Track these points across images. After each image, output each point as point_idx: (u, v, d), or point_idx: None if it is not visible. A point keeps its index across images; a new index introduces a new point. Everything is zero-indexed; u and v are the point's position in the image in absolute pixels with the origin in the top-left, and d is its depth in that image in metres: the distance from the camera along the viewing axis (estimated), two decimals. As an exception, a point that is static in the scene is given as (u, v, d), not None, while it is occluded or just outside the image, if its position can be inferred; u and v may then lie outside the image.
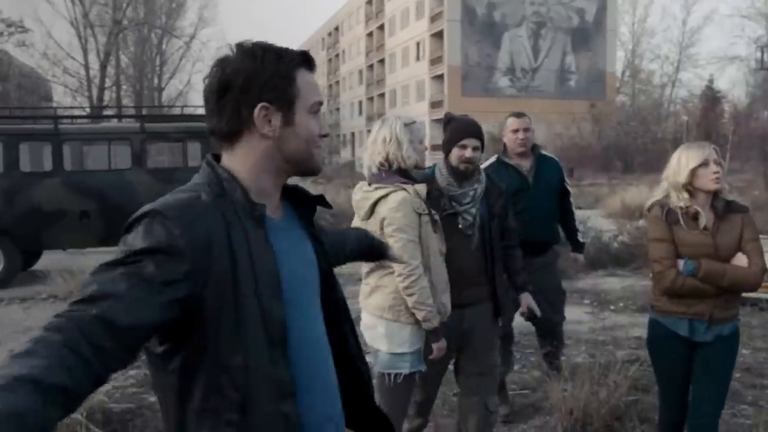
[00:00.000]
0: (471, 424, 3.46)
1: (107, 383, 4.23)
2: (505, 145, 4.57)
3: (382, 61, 61.45)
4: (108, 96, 47.00)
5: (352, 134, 68.89)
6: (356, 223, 3.22)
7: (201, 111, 10.18)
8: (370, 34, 63.88)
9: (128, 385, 5.21)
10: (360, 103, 67.04)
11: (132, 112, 33.10)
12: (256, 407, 1.39)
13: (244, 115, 1.46)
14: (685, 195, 3.03)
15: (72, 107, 29.46)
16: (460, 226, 3.33)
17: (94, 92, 45.04)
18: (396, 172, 3.14)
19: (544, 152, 4.73)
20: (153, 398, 4.74)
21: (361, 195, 3.21)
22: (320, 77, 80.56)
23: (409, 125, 3.17)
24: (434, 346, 3.13)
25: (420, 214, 3.06)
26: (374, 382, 2.06)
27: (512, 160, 4.51)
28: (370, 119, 63.49)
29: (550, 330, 4.72)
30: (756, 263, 3.00)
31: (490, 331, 3.51)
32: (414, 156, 3.12)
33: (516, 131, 4.46)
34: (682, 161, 3.03)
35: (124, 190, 10.05)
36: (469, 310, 3.37)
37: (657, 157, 40.00)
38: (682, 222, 3.01)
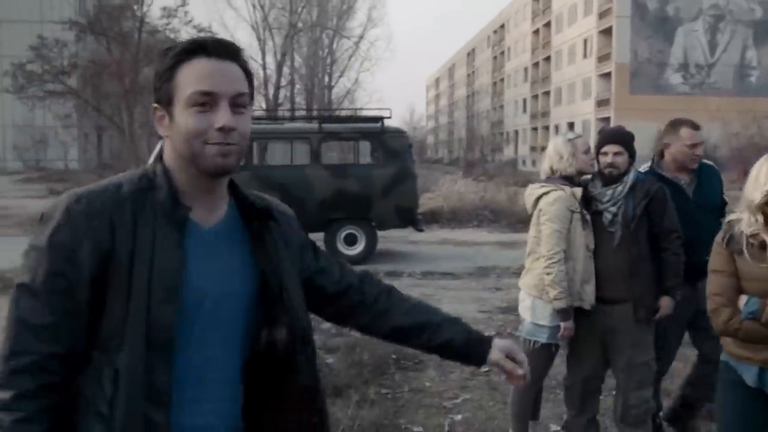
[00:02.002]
0: (614, 418, 3.99)
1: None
2: (662, 153, 4.10)
3: (547, 58, 60.75)
4: (282, 94, 50.16)
5: (516, 132, 68.62)
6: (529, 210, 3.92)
7: (369, 111, 11.23)
8: (536, 32, 63.28)
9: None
10: (524, 101, 66.61)
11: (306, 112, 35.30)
12: (123, 407, 1.36)
13: (152, 116, 1.51)
14: (760, 218, 2.48)
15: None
16: (603, 223, 3.79)
17: (270, 90, 48.32)
18: (559, 179, 3.79)
19: (704, 160, 4.16)
20: (332, 359, 5.64)
21: (530, 191, 3.94)
22: (484, 75, 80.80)
23: (572, 140, 3.83)
24: (562, 324, 3.70)
25: (573, 212, 3.68)
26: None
27: (668, 173, 4.02)
28: (534, 117, 62.99)
29: (704, 372, 4.00)
30: None
31: (635, 330, 3.72)
32: (574, 165, 3.76)
33: (694, 146, 3.94)
34: (761, 177, 2.49)
35: (303, 184, 11.25)
36: (611, 307, 3.75)
37: None
38: (745, 252, 2.49)
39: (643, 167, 4.19)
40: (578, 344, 3.92)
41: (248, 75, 1.51)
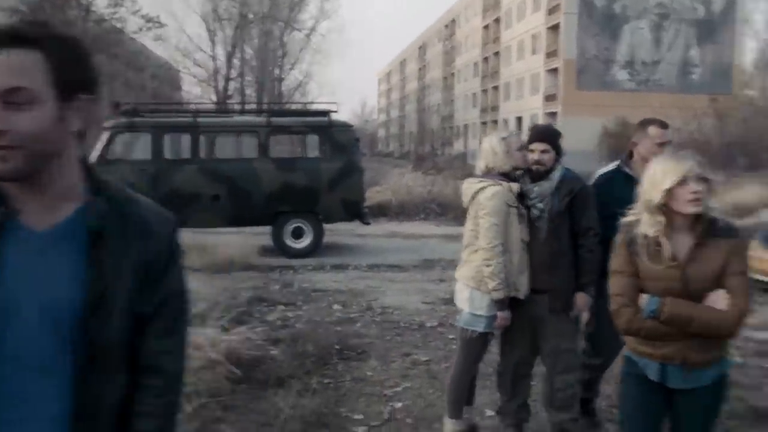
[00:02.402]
0: (543, 402, 4.21)
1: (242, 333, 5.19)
2: (630, 153, 4.12)
3: (497, 53, 61.41)
4: (232, 86, 49.68)
5: (465, 126, 69.20)
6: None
7: (320, 105, 11.25)
8: (486, 27, 63.91)
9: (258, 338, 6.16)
10: (474, 95, 67.26)
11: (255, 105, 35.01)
12: None
13: None
14: (661, 218, 2.52)
15: (203, 102, 31.54)
16: (531, 218, 3.97)
17: (220, 82, 47.82)
18: (496, 175, 3.95)
19: None
20: (276, 350, 5.75)
21: (467, 185, 4.08)
22: (435, 69, 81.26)
23: (506, 138, 4.01)
24: (499, 314, 3.89)
25: (510, 206, 3.85)
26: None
27: (636, 172, 3.91)
28: (483, 111, 63.63)
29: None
30: (736, 304, 2.46)
31: (559, 319, 3.95)
32: (509, 163, 3.94)
33: (662, 144, 3.92)
34: (658, 177, 2.52)
35: (251, 178, 11.27)
36: (540, 296, 3.96)
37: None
38: (644, 253, 2.54)
39: (611, 165, 4.26)
40: (510, 332, 4.11)
41: (52, 62, 1.32)
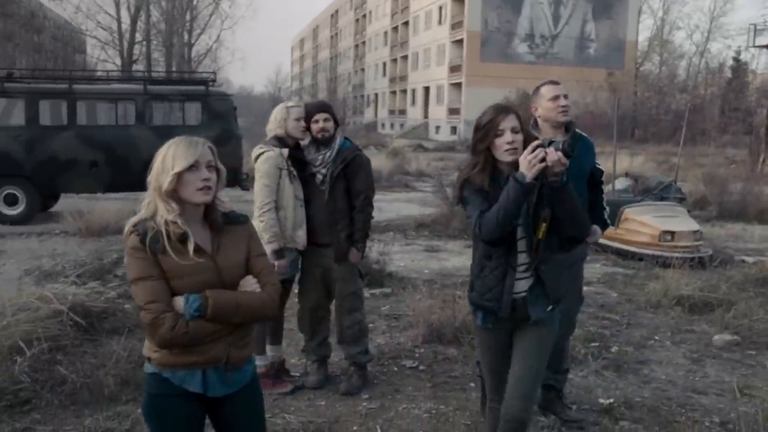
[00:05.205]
0: (337, 339, 4.86)
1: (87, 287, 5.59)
2: (535, 120, 4.05)
3: (406, 23, 61.98)
4: (138, 50, 48.50)
5: (376, 95, 69.77)
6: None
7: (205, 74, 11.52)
8: (396, -4, 64.30)
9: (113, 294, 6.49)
10: (384, 64, 67.75)
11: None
12: None
13: None
14: (174, 205, 2.32)
15: (92, 70, 30.66)
16: (316, 182, 4.59)
17: (125, 46, 46.63)
18: (273, 139, 4.55)
19: (579, 131, 4.09)
20: (129, 305, 6.17)
21: (254, 151, 4.62)
22: (347, 37, 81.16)
23: (289, 108, 4.60)
24: (276, 262, 4.41)
25: (281, 169, 4.45)
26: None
27: (543, 135, 3.77)
28: (392, 81, 64.28)
29: (554, 347, 4.44)
30: (271, 283, 2.47)
31: (342, 267, 4.58)
32: (283, 128, 4.52)
33: (557, 98, 3.90)
34: (168, 161, 2.32)
35: (128, 144, 11.58)
36: (324, 249, 4.58)
37: (672, 127, 40.76)
38: (169, 249, 2.29)
39: None
40: (304, 281, 4.79)
41: None
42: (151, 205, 2.35)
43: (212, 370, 2.39)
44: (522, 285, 3.05)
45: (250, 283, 2.42)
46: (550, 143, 2.75)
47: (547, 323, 3.14)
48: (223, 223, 2.44)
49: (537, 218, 2.93)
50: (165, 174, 2.30)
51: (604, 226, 4.25)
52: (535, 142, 2.76)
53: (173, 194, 2.32)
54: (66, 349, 5.09)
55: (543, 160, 2.71)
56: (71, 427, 4.09)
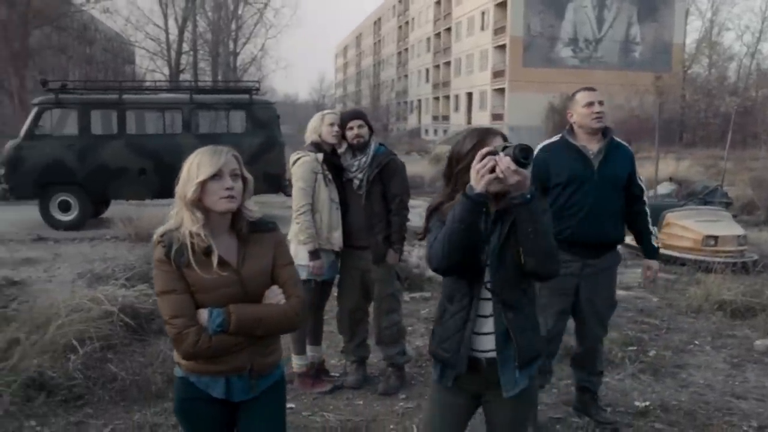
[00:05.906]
0: (375, 340, 4.95)
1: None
2: (571, 126, 4.09)
3: (449, 29, 61.96)
4: (185, 60, 49.52)
5: (419, 101, 69.85)
6: None
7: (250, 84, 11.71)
8: (438, 2, 64.26)
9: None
10: (427, 70, 67.78)
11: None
12: None
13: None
14: (200, 215, 2.31)
15: (140, 80, 31.27)
16: (353, 187, 4.71)
17: (173, 56, 47.67)
18: (310, 145, 4.72)
19: (618, 138, 4.15)
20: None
21: (291, 157, 4.78)
22: (390, 44, 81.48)
23: (324, 115, 4.78)
24: (311, 263, 4.59)
25: (316, 174, 4.59)
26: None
27: (578, 141, 4.02)
28: (435, 87, 64.31)
29: (587, 349, 4.29)
30: (294, 294, 2.44)
31: (380, 269, 4.69)
32: (318, 134, 4.69)
33: (591, 104, 3.95)
34: (193, 171, 2.31)
35: (175, 152, 11.90)
36: (362, 252, 4.69)
37: (721, 131, 39.96)
38: (193, 263, 2.30)
39: (555, 137, 4.21)
40: (343, 283, 4.92)
41: None
42: (178, 215, 2.35)
43: (236, 377, 2.43)
44: (488, 342, 2.50)
45: (275, 294, 2.41)
46: (504, 149, 2.30)
47: (525, 393, 2.55)
48: (250, 232, 2.42)
49: (516, 252, 2.41)
50: (190, 183, 2.29)
51: (651, 254, 4.28)
52: (485, 149, 2.31)
53: (198, 203, 2.31)
54: (116, 348, 5.32)
55: (493, 169, 2.26)
56: (121, 421, 4.28)
